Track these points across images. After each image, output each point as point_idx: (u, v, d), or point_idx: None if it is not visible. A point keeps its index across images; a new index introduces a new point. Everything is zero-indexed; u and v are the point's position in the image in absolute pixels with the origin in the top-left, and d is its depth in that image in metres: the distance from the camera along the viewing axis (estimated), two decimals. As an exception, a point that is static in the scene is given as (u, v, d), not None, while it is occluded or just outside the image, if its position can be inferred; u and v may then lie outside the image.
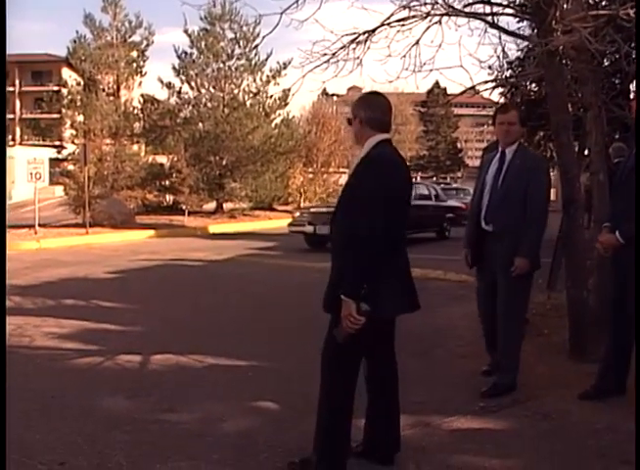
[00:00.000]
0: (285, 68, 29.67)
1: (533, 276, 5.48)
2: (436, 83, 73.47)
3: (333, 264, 3.84)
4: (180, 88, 30.19)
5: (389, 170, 3.72)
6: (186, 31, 29.84)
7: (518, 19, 7.92)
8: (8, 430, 4.55)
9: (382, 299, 3.65)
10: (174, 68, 30.14)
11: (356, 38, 6.57)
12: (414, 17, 6.36)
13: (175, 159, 29.32)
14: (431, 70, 6.83)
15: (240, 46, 30.07)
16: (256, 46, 29.85)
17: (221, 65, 29.98)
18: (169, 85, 30.13)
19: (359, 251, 3.58)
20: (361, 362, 3.88)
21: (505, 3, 6.73)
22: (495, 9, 6.57)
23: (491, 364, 5.67)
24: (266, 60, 30.28)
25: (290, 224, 19.04)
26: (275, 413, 5.01)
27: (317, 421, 3.86)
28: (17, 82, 72.63)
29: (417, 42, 6.57)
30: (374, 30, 6.51)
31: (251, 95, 30.27)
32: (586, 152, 8.90)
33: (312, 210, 18.74)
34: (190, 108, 30.46)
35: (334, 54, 6.64)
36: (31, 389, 5.57)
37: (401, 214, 3.79)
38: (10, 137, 71.93)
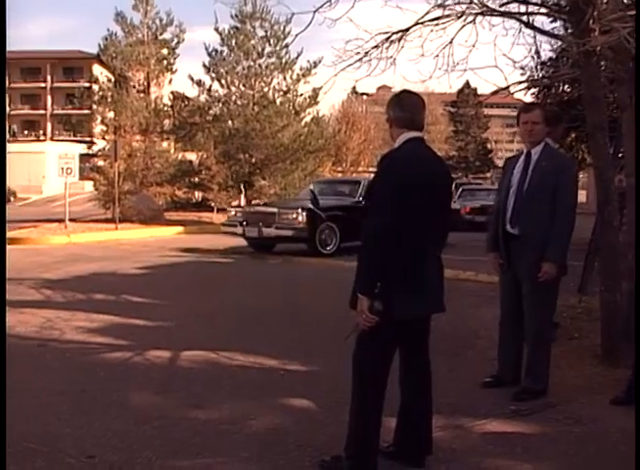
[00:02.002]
0: (315, 66, 29.65)
1: (560, 280, 5.39)
2: (467, 83, 72.98)
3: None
4: (210, 86, 30.33)
5: (405, 168, 3.68)
6: (217, 29, 29.95)
7: (552, 18, 7.84)
8: (38, 423, 4.60)
9: (396, 299, 3.63)
10: (205, 65, 30.27)
11: (390, 37, 6.54)
12: (448, 16, 6.33)
13: (205, 156, 29.45)
14: (464, 71, 6.79)
15: (270, 44, 30.11)
16: (287, 45, 29.82)
17: (251, 63, 30.03)
18: (200, 83, 30.27)
19: (371, 249, 3.61)
20: (391, 363, 3.86)
21: (540, 2, 6.66)
22: (531, 8, 6.50)
23: (496, 375, 5.49)
24: (297, 58, 30.28)
25: (223, 224, 18.14)
26: (305, 412, 4.99)
27: (349, 421, 3.85)
28: (48, 78, 73.31)
29: (451, 42, 6.53)
30: (408, 29, 6.48)
31: (282, 93, 30.29)
32: (620, 154, 8.79)
33: (247, 209, 17.95)
34: (220, 105, 30.56)
35: (366, 53, 6.62)
36: (61, 383, 5.61)
37: (424, 214, 3.73)
38: (41, 132, 72.78)
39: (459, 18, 6.27)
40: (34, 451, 4.17)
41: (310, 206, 15.18)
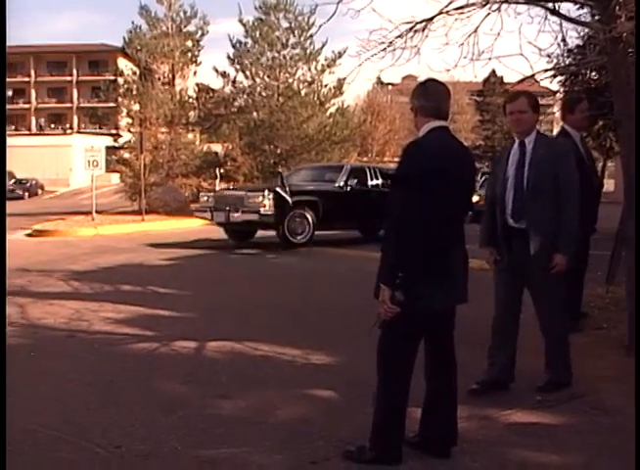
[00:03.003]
0: (340, 56, 29.64)
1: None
2: (493, 72, 72.38)
3: None
4: (235, 77, 30.46)
5: (429, 156, 3.66)
6: (241, 21, 30.02)
7: (578, 5, 7.75)
8: (66, 412, 4.66)
9: (419, 290, 3.61)
10: (229, 57, 30.38)
11: (414, 27, 6.52)
12: (473, 4, 6.28)
13: (230, 147, 29.57)
14: (489, 59, 6.74)
15: (295, 35, 30.13)
16: (312, 36, 29.79)
17: (276, 54, 30.08)
18: (224, 74, 30.38)
19: (393, 237, 3.60)
20: (416, 353, 3.86)
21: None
22: (557, -5, 6.45)
23: (486, 380, 5.15)
24: (321, 49, 30.29)
25: (194, 210, 17.82)
26: (330, 403, 5.00)
27: (373, 411, 3.86)
28: (74, 72, 73.85)
29: (475, 30, 6.49)
30: (432, 19, 6.44)
31: (306, 84, 30.30)
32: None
33: (216, 193, 17.45)
34: (244, 97, 30.66)
35: (391, 43, 6.60)
36: (90, 373, 5.68)
37: (447, 202, 3.70)
38: (68, 125, 73.38)
39: (484, 6, 6.23)
40: (62, 440, 4.22)
41: (277, 189, 14.59)
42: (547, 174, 4.98)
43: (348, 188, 15.64)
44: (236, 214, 14.88)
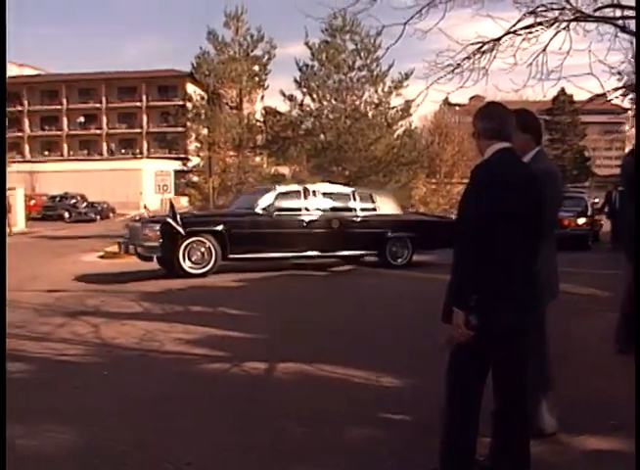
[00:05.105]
0: (407, 78, 29.65)
1: None
2: (562, 90, 71.47)
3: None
4: (302, 100, 30.66)
5: (497, 177, 3.66)
6: (307, 44, 30.28)
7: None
8: (138, 430, 4.77)
9: (491, 312, 3.58)
10: (296, 80, 30.62)
11: (481, 47, 6.58)
12: (540, 23, 6.31)
13: (297, 169, 29.82)
14: (558, 79, 6.74)
15: (361, 57, 30.24)
16: (378, 57, 29.81)
17: (342, 76, 30.24)
18: (291, 97, 30.64)
19: (464, 260, 3.59)
20: (486, 376, 3.83)
21: (636, 6, 6.56)
22: (626, 12, 6.41)
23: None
24: (388, 71, 30.32)
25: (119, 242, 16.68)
26: (401, 426, 4.99)
27: (442, 433, 3.84)
28: (144, 97, 75.41)
29: (544, 49, 6.52)
30: (499, 39, 6.50)
31: (373, 106, 30.38)
32: None
33: (128, 223, 16.55)
34: (312, 119, 30.85)
35: (458, 64, 6.67)
36: (161, 392, 5.79)
37: (516, 224, 3.68)
38: (137, 150, 75.02)
39: (551, 25, 6.26)
40: (131, 457, 4.34)
41: (168, 220, 13.78)
42: None
43: (272, 213, 14.78)
44: (133, 247, 14.37)
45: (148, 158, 68.88)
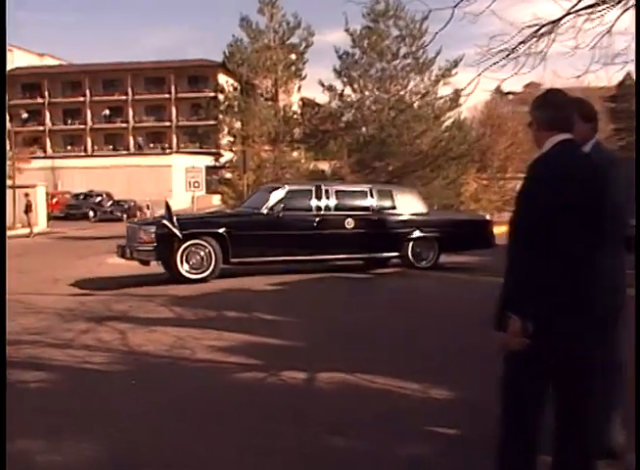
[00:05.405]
0: (456, 66, 29.54)
1: None
2: (628, 75, 70.47)
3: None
4: (342, 91, 30.68)
5: (557, 172, 3.60)
6: (347, 30, 30.32)
7: None
8: (167, 443, 4.80)
9: (551, 319, 3.46)
10: (335, 69, 30.70)
11: (539, 30, 6.48)
12: (605, 2, 6.21)
13: (338, 165, 29.81)
14: (625, 63, 6.63)
15: (406, 44, 30.21)
16: (424, 44, 29.68)
17: (386, 64, 30.23)
18: (330, 88, 30.68)
19: (520, 261, 3.50)
20: (546, 391, 3.72)
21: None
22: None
23: None
24: (435, 58, 30.25)
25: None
26: (451, 441, 4.95)
27: (497, 452, 3.77)
28: (172, 89, 75.88)
29: (609, 31, 6.40)
30: (559, 20, 6.40)
31: (419, 96, 30.27)
32: None
33: (127, 224, 16.69)
34: (353, 111, 30.88)
35: (513, 49, 6.58)
36: (191, 403, 5.80)
37: (580, 222, 3.61)
38: (166, 145, 75.60)
39: (618, 3, 6.14)
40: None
41: (164, 222, 13.68)
42: None
43: (278, 213, 14.58)
44: (127, 250, 14.17)
45: (177, 153, 69.37)
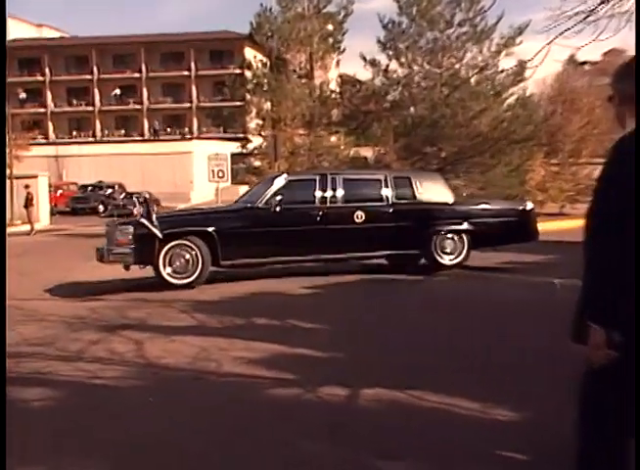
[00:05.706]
0: (521, 33, 29.17)
1: None
2: None
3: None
4: (387, 66, 30.56)
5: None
6: (393, -5, 30.18)
7: None
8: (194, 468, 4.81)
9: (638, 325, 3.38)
10: (379, 41, 30.52)
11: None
12: None
13: (382, 151, 29.73)
14: None
15: (462, 9, 29.98)
16: (483, 9, 29.40)
17: (438, 34, 30.06)
18: (374, 63, 30.55)
19: (601, 261, 3.42)
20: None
21: None
22: None
23: None
24: (496, 25, 29.94)
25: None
26: (519, 466, 4.94)
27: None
28: (192, 65, 75.83)
29: None
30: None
31: (477, 70, 30.06)
32: None
33: (108, 223, 16.23)
34: (399, 89, 30.76)
35: (592, 10, 6.46)
36: (218, 423, 5.85)
37: None
38: (186, 129, 75.84)
39: None
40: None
41: (142, 220, 13.72)
42: None
43: (275, 207, 14.43)
44: (105, 254, 13.99)
45: (199, 138, 69.67)
